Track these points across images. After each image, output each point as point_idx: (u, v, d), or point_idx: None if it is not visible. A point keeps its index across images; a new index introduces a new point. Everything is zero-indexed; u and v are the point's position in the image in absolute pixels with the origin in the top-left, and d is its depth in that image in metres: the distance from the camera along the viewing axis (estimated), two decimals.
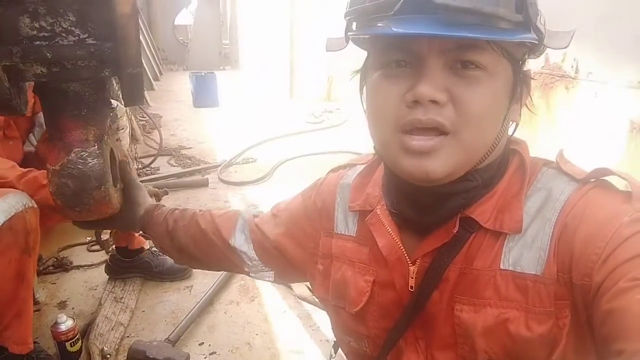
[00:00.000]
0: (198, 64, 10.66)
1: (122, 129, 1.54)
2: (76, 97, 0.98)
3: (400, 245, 0.74)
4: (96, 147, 1.00)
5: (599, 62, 2.14)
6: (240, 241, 0.99)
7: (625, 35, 1.97)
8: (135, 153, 3.99)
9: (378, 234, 0.77)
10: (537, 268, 0.63)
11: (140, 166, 4.24)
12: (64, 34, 0.90)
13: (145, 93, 7.60)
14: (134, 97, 0.99)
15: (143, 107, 6.08)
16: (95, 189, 1.00)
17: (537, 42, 0.62)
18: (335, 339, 0.94)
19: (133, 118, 5.24)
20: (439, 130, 0.61)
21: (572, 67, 2.26)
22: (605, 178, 0.67)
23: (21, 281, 1.64)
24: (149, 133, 5.44)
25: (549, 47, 0.65)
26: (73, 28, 0.90)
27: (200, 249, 1.03)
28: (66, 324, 1.82)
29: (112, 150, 1.07)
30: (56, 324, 1.82)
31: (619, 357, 0.50)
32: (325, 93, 7.37)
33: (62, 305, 2.26)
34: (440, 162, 0.62)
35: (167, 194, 3.42)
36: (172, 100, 8.15)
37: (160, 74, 10.89)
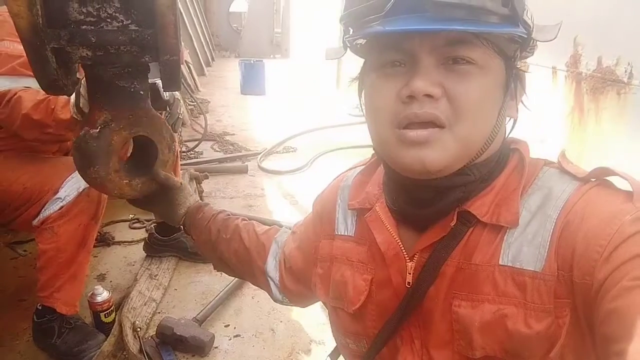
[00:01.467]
0: (250, 52, 10.83)
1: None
2: (104, 83, 1.02)
3: (398, 240, 0.75)
4: (98, 130, 1.01)
5: None
6: (271, 267, 1.00)
7: None
8: (180, 136, 4.11)
9: (376, 230, 0.78)
10: (536, 264, 0.63)
11: (185, 149, 4.37)
12: (108, 20, 0.94)
13: (196, 78, 7.80)
14: (171, 83, 1.02)
15: (192, 92, 6.26)
16: (87, 168, 1.02)
17: (525, 36, 0.63)
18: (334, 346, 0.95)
19: (182, 102, 5.39)
20: (434, 124, 0.63)
21: (625, 71, 2.15)
22: (606, 178, 0.66)
23: (83, 246, 1.79)
24: (197, 117, 5.58)
25: (537, 41, 0.66)
26: (117, 14, 0.94)
27: (241, 264, 1.05)
28: (102, 295, 1.92)
29: (147, 143, 1.09)
30: (93, 294, 1.92)
31: (621, 357, 0.49)
32: None
33: (101, 278, 2.38)
34: (437, 154, 0.63)
35: (207, 177, 3.54)
36: (221, 86, 8.32)
37: (213, 60, 11.12)
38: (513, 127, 0.74)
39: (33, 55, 0.90)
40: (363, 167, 0.91)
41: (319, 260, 0.90)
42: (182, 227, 1.11)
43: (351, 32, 0.68)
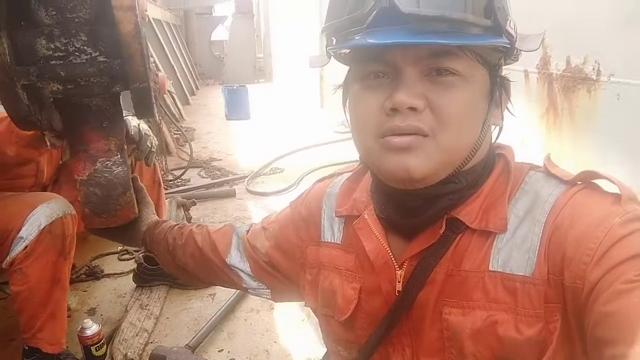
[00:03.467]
0: (233, 78, 10.91)
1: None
2: (98, 111, 1.05)
3: (387, 248, 0.74)
4: (119, 156, 1.07)
5: (620, 63, 2.08)
6: (236, 259, 0.99)
7: None
8: (166, 165, 4.12)
9: (365, 238, 0.77)
10: (526, 269, 0.63)
11: (171, 177, 4.38)
12: (77, 53, 0.96)
13: (181, 107, 7.84)
14: (144, 110, 1.04)
15: (177, 121, 6.30)
16: (121, 195, 1.07)
17: (509, 46, 0.64)
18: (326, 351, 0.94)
19: (167, 132, 5.42)
20: (417, 135, 0.63)
21: (593, 69, 2.21)
22: (593, 181, 0.67)
23: (56, 283, 1.75)
24: (182, 146, 5.59)
25: (521, 50, 0.67)
26: (85, 47, 0.96)
27: (199, 266, 1.04)
28: (92, 329, 1.90)
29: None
30: (82, 328, 1.90)
31: None
32: None
33: (91, 312, 2.36)
34: (420, 161, 0.63)
35: (195, 204, 3.53)
36: (205, 113, 8.36)
37: (197, 88, 11.19)
38: (499, 134, 0.74)
39: (4, 93, 0.92)
40: (350, 173, 0.90)
41: (307, 267, 0.89)
42: (144, 247, 1.11)
43: (334, 43, 0.69)
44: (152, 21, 8.09)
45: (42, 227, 1.69)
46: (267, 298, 1.03)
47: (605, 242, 0.56)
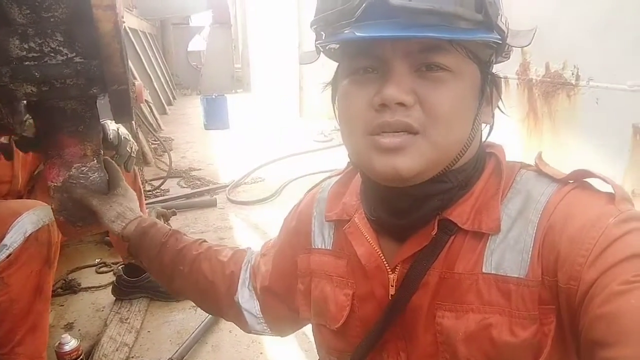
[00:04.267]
0: (211, 88, 10.84)
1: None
2: (73, 114, 1.01)
3: (379, 252, 0.72)
4: (95, 161, 1.03)
5: (599, 68, 2.12)
6: (244, 297, 0.94)
7: (625, 39, 1.95)
8: (143, 175, 4.04)
9: (356, 242, 0.75)
10: (520, 271, 0.62)
11: (150, 188, 4.29)
12: (52, 54, 0.92)
13: (158, 117, 7.74)
14: (122, 114, 1.00)
15: (155, 131, 6.21)
16: (91, 202, 1.02)
17: (499, 42, 0.62)
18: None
19: (145, 142, 5.33)
20: (407, 132, 0.61)
21: (572, 74, 2.25)
22: (585, 180, 0.66)
23: (39, 294, 1.68)
24: (160, 156, 5.51)
25: (512, 46, 0.65)
26: (61, 48, 0.92)
27: (206, 300, 1.00)
28: (70, 344, 1.83)
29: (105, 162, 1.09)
30: (60, 344, 1.83)
31: None
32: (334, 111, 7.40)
33: (69, 327, 2.27)
34: (409, 160, 0.61)
35: (175, 214, 3.47)
36: (184, 123, 8.27)
37: (174, 98, 11.09)
38: (489, 133, 0.73)
39: None
40: (339, 177, 0.88)
41: (299, 276, 0.86)
42: (129, 253, 1.03)
43: (323, 37, 0.67)
44: (129, 30, 7.99)
45: (27, 234, 1.62)
46: (268, 334, 0.99)
47: (600, 242, 0.55)
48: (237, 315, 0.96)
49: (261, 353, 2.05)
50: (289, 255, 0.89)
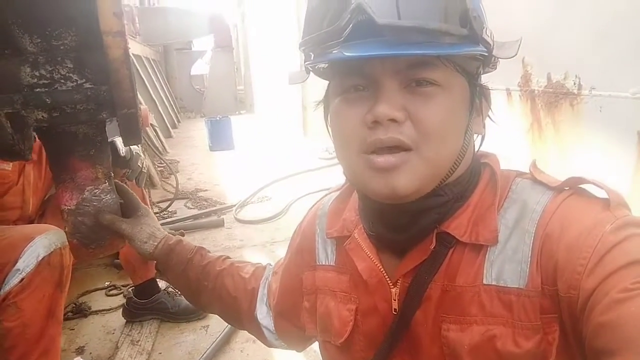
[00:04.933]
0: (214, 110, 10.94)
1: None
2: (85, 139, 1.03)
3: (380, 267, 0.73)
4: (107, 183, 1.05)
5: (601, 77, 2.13)
6: (262, 313, 0.97)
7: (625, 47, 1.97)
8: (150, 198, 4.06)
9: (357, 257, 0.76)
10: (519, 281, 0.62)
11: (157, 210, 4.31)
12: (62, 80, 0.94)
13: (164, 140, 7.81)
14: (131, 136, 1.02)
15: (161, 153, 6.26)
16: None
17: (486, 54, 0.64)
18: None
19: (151, 165, 5.37)
20: (400, 148, 0.62)
21: (574, 83, 2.26)
22: (580, 186, 0.66)
23: (51, 318, 1.69)
24: (167, 178, 5.54)
25: (499, 57, 0.67)
26: (71, 74, 0.95)
27: (229, 314, 1.03)
28: None
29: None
30: None
31: None
32: None
33: (80, 351, 2.27)
34: (406, 178, 0.62)
35: (183, 235, 3.49)
36: (189, 145, 8.33)
37: (179, 121, 11.19)
38: (481, 143, 0.74)
39: None
40: (338, 192, 0.89)
41: (305, 294, 0.87)
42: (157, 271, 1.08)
43: (312, 58, 0.68)
44: (133, 57, 8.11)
45: (40, 258, 1.64)
46: (287, 349, 1.01)
47: (597, 250, 0.56)
48: (257, 330, 0.99)
49: None
50: (295, 274, 0.91)
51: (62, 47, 0.94)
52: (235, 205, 4.41)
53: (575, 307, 0.56)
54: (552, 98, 2.42)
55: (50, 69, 0.93)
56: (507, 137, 2.78)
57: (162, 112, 9.13)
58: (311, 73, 0.73)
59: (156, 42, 11.75)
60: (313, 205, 0.95)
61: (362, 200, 0.76)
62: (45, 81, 0.93)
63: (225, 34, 13.65)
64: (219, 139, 7.72)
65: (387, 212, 0.70)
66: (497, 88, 2.86)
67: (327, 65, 0.70)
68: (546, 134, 2.50)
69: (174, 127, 10.23)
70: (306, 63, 0.70)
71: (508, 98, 2.82)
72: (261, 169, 5.91)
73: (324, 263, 0.85)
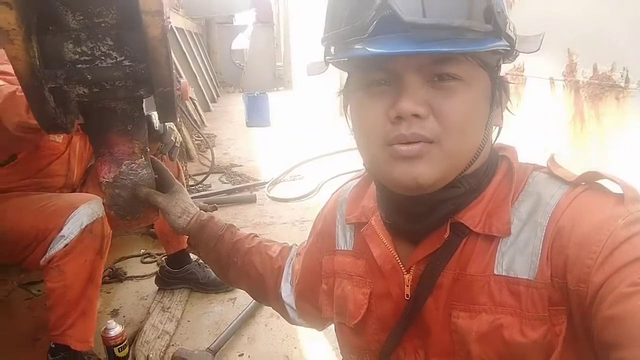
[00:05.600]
0: (253, 86, 11.00)
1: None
2: (123, 114, 1.07)
3: (395, 253, 0.75)
4: (143, 158, 1.09)
5: None
6: (286, 292, 1.00)
7: None
8: (187, 170, 4.17)
9: (373, 244, 0.78)
10: (529, 273, 0.63)
11: (193, 183, 4.42)
12: (102, 57, 0.97)
13: (202, 114, 7.93)
14: (167, 114, 1.06)
15: (199, 127, 6.37)
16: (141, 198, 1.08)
17: (509, 49, 0.64)
18: None
19: (188, 138, 5.49)
20: (424, 142, 0.63)
21: (621, 76, 2.16)
22: (596, 182, 0.66)
23: (91, 282, 1.80)
24: (204, 152, 5.66)
25: (521, 52, 0.67)
26: (111, 51, 0.98)
27: (255, 290, 1.07)
28: (115, 330, 1.93)
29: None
30: (106, 329, 1.93)
31: None
32: None
33: (114, 314, 2.39)
34: (428, 168, 0.63)
35: (216, 209, 3.58)
36: (227, 120, 8.44)
37: (218, 96, 11.33)
38: (498, 134, 0.74)
39: (32, 96, 0.93)
40: (358, 180, 0.91)
41: (324, 277, 0.90)
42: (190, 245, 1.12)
43: (333, 52, 0.69)
44: (175, 30, 8.22)
45: (84, 226, 1.75)
46: (309, 327, 1.06)
47: (608, 244, 0.56)
48: (281, 308, 1.03)
49: (295, 348, 2.10)
50: (315, 257, 0.94)
51: (103, 25, 0.97)
52: (268, 183, 4.47)
53: (584, 300, 0.57)
54: (597, 90, 2.33)
55: (91, 45, 0.96)
56: (548, 128, 2.70)
57: (202, 85, 9.25)
58: (329, 65, 0.74)
59: (199, 15, 11.83)
60: (335, 191, 0.98)
61: (379, 190, 0.78)
62: (87, 57, 0.97)
63: (266, 9, 13.61)
64: (255, 115, 7.79)
65: (403, 202, 0.71)
66: (540, 76, 2.77)
67: (346, 58, 0.71)
68: (588, 127, 2.42)
69: (213, 101, 10.36)
70: (327, 58, 0.70)
71: (551, 88, 2.73)
72: (295, 147, 5.95)
73: (342, 248, 0.87)
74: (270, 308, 1.10)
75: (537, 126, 2.68)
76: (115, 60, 0.98)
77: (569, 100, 2.59)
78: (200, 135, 5.63)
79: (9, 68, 1.58)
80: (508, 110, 0.74)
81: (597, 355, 0.55)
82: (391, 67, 0.63)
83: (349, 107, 0.74)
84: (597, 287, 0.55)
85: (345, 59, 0.70)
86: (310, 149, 5.61)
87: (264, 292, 1.04)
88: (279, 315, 1.09)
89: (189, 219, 1.05)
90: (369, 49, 0.60)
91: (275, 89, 12.76)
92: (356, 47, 0.62)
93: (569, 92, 2.59)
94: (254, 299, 1.15)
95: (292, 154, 5.48)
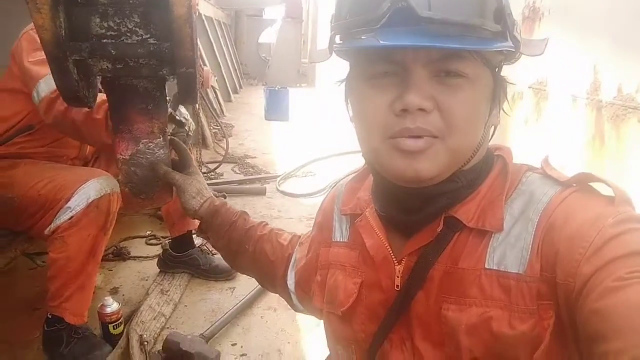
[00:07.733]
0: (276, 80, 11.03)
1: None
2: (145, 93, 1.07)
3: (387, 244, 0.77)
4: (161, 138, 1.10)
5: None
6: (291, 280, 1.02)
7: None
8: (200, 157, 4.19)
9: (366, 234, 0.80)
10: (519, 267, 0.64)
11: (205, 170, 4.45)
12: (128, 34, 0.98)
13: (223, 103, 7.97)
14: (188, 95, 1.06)
15: (218, 116, 6.40)
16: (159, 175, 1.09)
17: (513, 50, 0.65)
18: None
19: (207, 126, 5.52)
20: (428, 137, 0.64)
21: None
22: (589, 184, 0.67)
23: (92, 257, 1.82)
24: (220, 141, 5.68)
25: (524, 55, 0.68)
26: (137, 28, 0.98)
27: (264, 276, 1.09)
28: (112, 307, 1.94)
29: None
30: (103, 305, 1.95)
31: (605, 357, 0.50)
32: None
33: (114, 291, 2.42)
34: (429, 163, 0.65)
35: (225, 198, 3.59)
36: (246, 112, 8.48)
37: (240, 87, 11.38)
38: (493, 133, 0.76)
39: (55, 67, 0.94)
40: (355, 174, 0.93)
41: (319, 269, 0.91)
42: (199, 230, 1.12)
43: (338, 40, 0.69)
44: (204, 18, 8.27)
45: (90, 200, 1.76)
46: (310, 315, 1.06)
47: (597, 240, 0.57)
48: (287, 294, 1.04)
49: (288, 342, 2.09)
50: (314, 248, 0.95)
51: (130, 1, 0.97)
52: (279, 176, 4.48)
53: (571, 294, 0.58)
54: (620, 111, 2.29)
55: (118, 21, 0.97)
56: (566, 146, 2.66)
57: (225, 75, 9.29)
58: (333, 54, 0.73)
59: (229, 5, 11.90)
60: (335, 185, 0.99)
61: (376, 182, 0.79)
62: (113, 32, 0.97)
63: (296, 4, 13.64)
64: (274, 108, 7.80)
65: (400, 194, 0.72)
66: (562, 94, 2.73)
67: (356, 48, 0.70)
68: (608, 149, 2.38)
69: (235, 92, 10.40)
70: (336, 47, 0.70)
71: (573, 104, 2.69)
72: (311, 144, 5.94)
73: (338, 240, 0.88)
74: (268, 300, 1.11)
75: (555, 142, 2.65)
76: (140, 38, 0.98)
77: (590, 119, 2.55)
78: (217, 124, 5.65)
79: None
80: (504, 110, 0.75)
81: (582, 347, 0.56)
82: (399, 59, 0.64)
83: (349, 99, 0.74)
84: (584, 281, 0.56)
85: (352, 48, 0.69)
86: (326, 147, 5.59)
87: (273, 279, 1.05)
88: (275, 308, 1.10)
89: (202, 201, 1.08)
90: (380, 41, 0.60)
91: (298, 85, 12.77)
92: (364, 37, 0.62)
93: (591, 111, 2.55)
94: (260, 284, 1.16)
95: (307, 151, 5.48)
